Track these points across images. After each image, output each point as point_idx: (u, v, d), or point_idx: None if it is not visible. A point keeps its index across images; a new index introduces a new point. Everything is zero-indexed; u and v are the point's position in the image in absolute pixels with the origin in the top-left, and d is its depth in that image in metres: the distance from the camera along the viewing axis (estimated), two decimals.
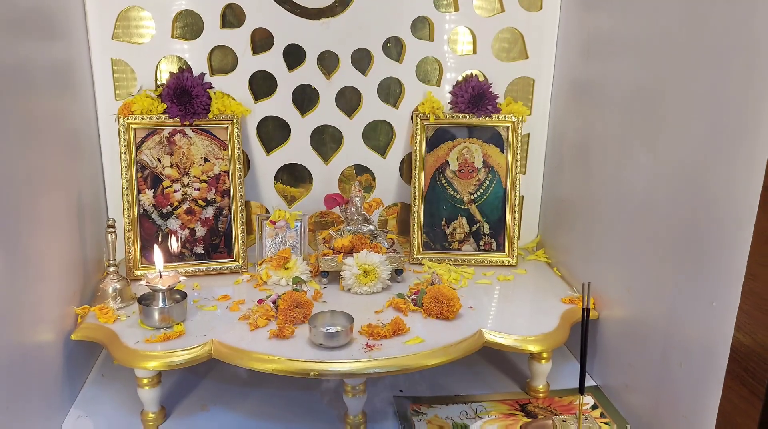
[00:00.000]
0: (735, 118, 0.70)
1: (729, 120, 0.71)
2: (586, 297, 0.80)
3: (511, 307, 1.06)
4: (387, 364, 0.88)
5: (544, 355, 1.01)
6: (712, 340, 0.74)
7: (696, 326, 0.78)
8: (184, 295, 0.97)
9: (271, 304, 0.99)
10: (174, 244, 1.12)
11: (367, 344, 0.91)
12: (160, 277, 0.96)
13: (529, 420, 0.96)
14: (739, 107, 0.69)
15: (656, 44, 0.87)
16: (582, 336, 0.81)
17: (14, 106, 0.80)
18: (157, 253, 1.01)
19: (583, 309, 0.81)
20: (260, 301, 1.02)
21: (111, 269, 1.02)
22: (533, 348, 0.96)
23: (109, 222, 1.01)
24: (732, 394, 0.69)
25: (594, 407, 1.01)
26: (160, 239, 1.12)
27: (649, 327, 0.91)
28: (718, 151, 0.73)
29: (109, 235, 1.01)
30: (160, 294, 0.95)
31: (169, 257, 1.12)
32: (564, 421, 0.87)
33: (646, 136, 0.90)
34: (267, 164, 1.21)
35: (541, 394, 1.03)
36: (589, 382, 1.08)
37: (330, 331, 0.90)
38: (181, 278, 0.98)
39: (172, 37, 1.12)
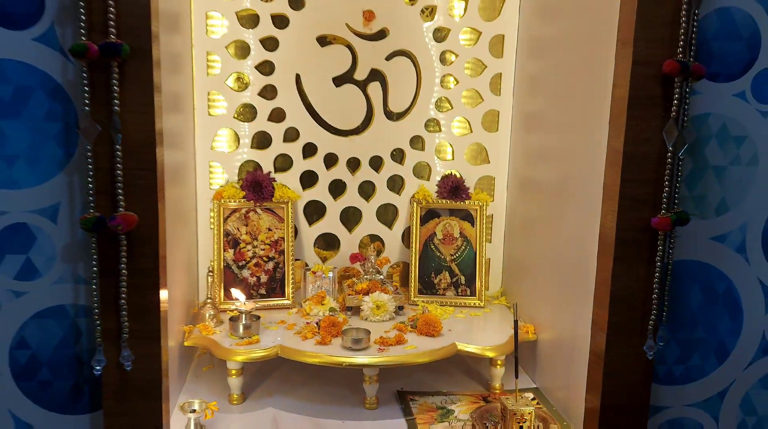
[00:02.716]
0: (593, 203, 1.22)
1: (592, 205, 1.23)
2: (515, 312, 1.30)
3: (477, 331, 1.55)
4: (392, 360, 1.37)
5: (499, 362, 1.49)
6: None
7: (587, 335, 1.27)
8: (258, 317, 1.47)
9: (315, 325, 1.49)
10: (245, 288, 1.63)
11: (379, 348, 1.40)
12: (244, 303, 1.46)
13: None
14: (592, 197, 1.21)
15: (562, 155, 1.41)
16: (515, 339, 1.30)
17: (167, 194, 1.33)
18: (238, 291, 1.52)
19: (514, 321, 1.30)
20: (308, 324, 1.51)
21: (208, 301, 1.52)
22: (490, 354, 1.45)
23: (210, 269, 1.53)
24: (592, 364, 1.17)
25: (533, 399, 1.48)
26: (237, 283, 1.62)
27: (564, 341, 1.40)
28: (588, 225, 1.25)
29: (209, 277, 1.53)
30: (244, 315, 1.44)
31: (246, 295, 1.62)
32: (507, 399, 1.34)
33: (558, 214, 1.43)
34: (309, 233, 1.74)
35: (497, 391, 1.51)
36: (531, 384, 1.55)
37: (355, 338, 1.39)
38: (256, 306, 1.48)
39: (251, 148, 1.67)
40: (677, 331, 1.20)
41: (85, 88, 0.91)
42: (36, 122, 0.99)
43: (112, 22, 0.90)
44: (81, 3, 0.89)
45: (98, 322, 0.97)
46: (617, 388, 1.17)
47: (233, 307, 1.47)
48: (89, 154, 0.93)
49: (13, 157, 0.99)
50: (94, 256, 0.95)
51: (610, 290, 1.10)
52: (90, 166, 0.93)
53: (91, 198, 0.94)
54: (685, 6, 1.02)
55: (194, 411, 1.25)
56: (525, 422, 1.30)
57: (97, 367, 0.97)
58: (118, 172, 0.94)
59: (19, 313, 1.03)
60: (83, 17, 0.90)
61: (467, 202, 1.72)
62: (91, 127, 0.91)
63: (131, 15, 0.92)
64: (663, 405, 1.23)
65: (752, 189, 1.16)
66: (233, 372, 1.40)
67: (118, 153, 0.93)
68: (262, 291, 1.65)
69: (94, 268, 0.95)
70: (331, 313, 1.56)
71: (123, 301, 0.97)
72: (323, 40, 1.65)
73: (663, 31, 1.03)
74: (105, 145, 0.94)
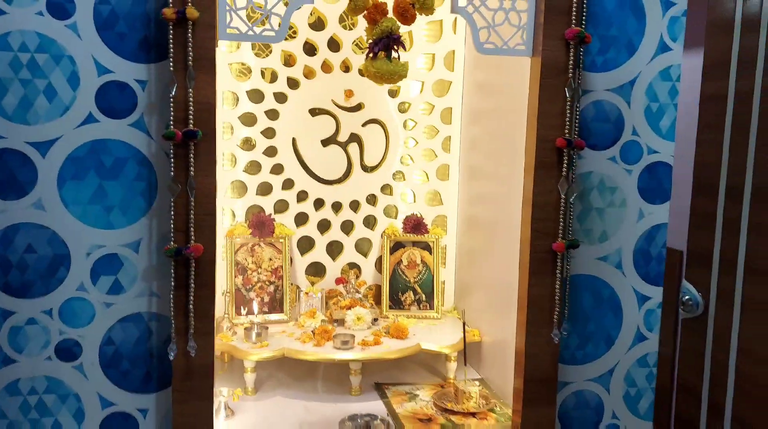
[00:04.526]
0: (515, 234, 1.70)
1: (515, 236, 1.71)
2: (462, 316, 1.76)
3: (435, 335, 2.00)
4: (372, 356, 1.81)
5: (452, 357, 1.94)
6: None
7: (515, 333, 1.73)
8: (266, 327, 1.89)
9: (311, 332, 1.91)
10: (255, 306, 2.04)
11: (362, 348, 1.84)
12: (256, 315, 1.88)
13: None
14: (514, 230, 1.69)
15: (494, 199, 1.91)
16: (464, 334, 1.76)
17: None
18: (255, 304, 1.94)
19: (463, 322, 1.76)
20: (304, 332, 1.94)
21: (226, 316, 1.93)
22: (445, 351, 1.90)
23: (228, 290, 1.94)
24: (518, 353, 1.64)
25: (479, 386, 1.93)
26: (245, 303, 2.04)
27: (500, 340, 1.86)
28: (512, 251, 1.72)
29: (226, 297, 1.94)
30: (256, 325, 1.86)
31: (250, 312, 2.04)
32: (458, 382, 1.79)
33: (492, 244, 1.91)
34: (302, 262, 2.18)
35: (451, 381, 1.95)
36: (477, 376, 2.00)
37: (344, 340, 1.82)
38: (265, 319, 1.90)
39: (256, 194, 2.11)
40: (576, 325, 1.67)
41: (171, 160, 1.35)
42: (128, 182, 1.41)
43: (191, 115, 1.35)
44: (171, 102, 1.34)
45: (173, 322, 1.38)
46: (535, 369, 1.62)
47: (248, 319, 1.88)
48: (172, 204, 1.36)
49: (110, 207, 1.41)
50: (173, 275, 1.37)
51: (527, 297, 1.58)
52: (172, 213, 1.36)
53: (171, 234, 1.37)
54: (569, 102, 1.53)
55: (224, 396, 1.66)
56: (472, 399, 1.76)
57: (171, 354, 1.38)
58: (191, 216, 1.37)
59: (108, 319, 1.43)
60: (172, 112, 1.34)
61: (426, 235, 2.19)
62: (174, 186, 1.35)
63: (202, 110, 1.36)
64: (569, 381, 1.69)
65: (623, 224, 1.67)
66: (249, 369, 1.81)
67: (192, 203, 1.37)
68: (265, 309, 2.07)
69: (172, 283, 1.37)
70: (323, 325, 1.99)
71: (191, 307, 1.39)
72: (314, 112, 2.13)
73: (556, 119, 1.53)
74: (182, 198, 1.37)
